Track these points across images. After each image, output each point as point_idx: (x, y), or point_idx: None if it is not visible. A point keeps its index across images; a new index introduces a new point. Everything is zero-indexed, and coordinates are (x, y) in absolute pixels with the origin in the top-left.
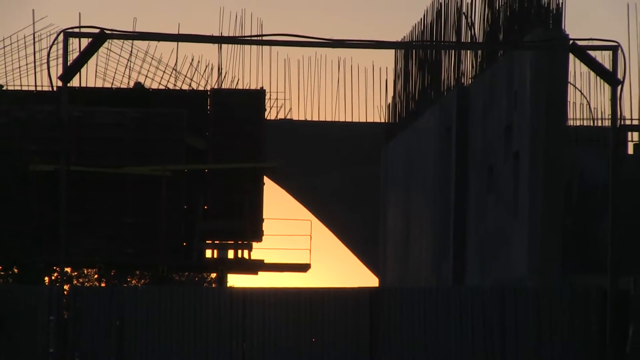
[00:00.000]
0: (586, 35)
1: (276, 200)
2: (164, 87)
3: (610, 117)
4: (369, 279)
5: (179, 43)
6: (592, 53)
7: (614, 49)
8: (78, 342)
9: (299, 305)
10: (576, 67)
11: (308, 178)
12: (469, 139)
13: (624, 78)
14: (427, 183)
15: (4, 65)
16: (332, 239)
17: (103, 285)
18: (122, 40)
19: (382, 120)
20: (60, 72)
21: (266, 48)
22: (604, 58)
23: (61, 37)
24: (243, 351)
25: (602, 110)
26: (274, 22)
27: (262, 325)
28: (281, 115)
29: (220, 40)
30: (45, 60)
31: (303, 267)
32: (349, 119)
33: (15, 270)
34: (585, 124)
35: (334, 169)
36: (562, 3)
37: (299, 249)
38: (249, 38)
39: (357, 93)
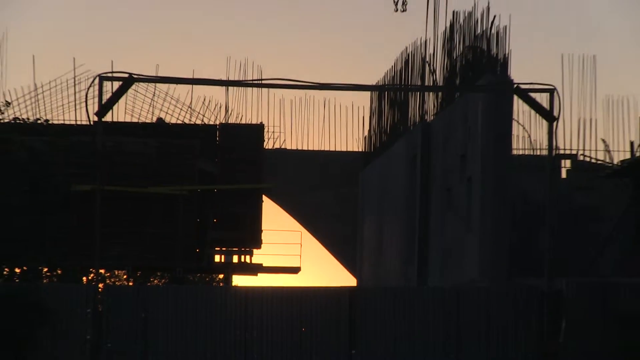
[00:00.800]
0: (528, 79)
1: (272, 215)
2: (180, 122)
3: (547, 147)
4: (348, 280)
5: (193, 85)
6: (533, 94)
7: (551, 91)
8: (110, 331)
9: (291, 301)
10: (520, 106)
11: (298, 196)
12: (431, 165)
13: (559, 115)
14: (396, 201)
15: (50, 103)
16: (318, 246)
17: (130, 284)
18: (147, 83)
19: (360, 149)
20: (96, 109)
21: (265, 90)
22: (542, 99)
23: (97, 81)
24: (245, 339)
25: (540, 141)
26: (271, 67)
27: (261, 317)
28: (277, 145)
29: (227, 83)
30: (84, 99)
31: (294, 270)
32: (332, 148)
33: (59, 272)
34: (526, 153)
35: (319, 189)
36: (508, 53)
37: (291, 255)
38: (251, 82)
39: (339, 127)
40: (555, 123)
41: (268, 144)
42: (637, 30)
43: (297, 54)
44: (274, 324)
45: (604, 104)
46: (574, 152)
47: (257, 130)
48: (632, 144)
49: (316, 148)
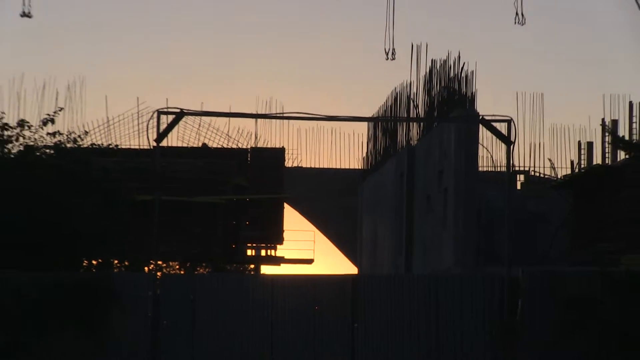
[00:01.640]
0: (490, 112)
1: (291, 218)
2: (220, 146)
3: (505, 165)
4: (351, 269)
5: (230, 118)
6: (494, 124)
7: (508, 121)
8: (166, 309)
9: (306, 286)
10: (484, 133)
11: (312, 204)
12: (415, 179)
13: (514, 140)
14: (387, 207)
15: (119, 132)
16: (327, 242)
17: (181, 272)
18: (194, 116)
19: (359, 167)
20: (154, 137)
21: (285, 121)
22: (502, 127)
23: (155, 114)
24: (271, 317)
25: (500, 160)
26: (290, 102)
27: (284, 299)
28: (294, 164)
29: (256, 116)
30: (146, 129)
31: (309, 261)
32: (337, 166)
33: (126, 263)
34: (489, 170)
35: (328, 198)
36: (474, 92)
37: (306, 249)
38: (274, 115)
39: (343, 149)
40: (511, 146)
41: (287, 163)
42: (577, 70)
43: (310, 93)
44: (294, 304)
45: (550, 131)
46: (526, 169)
47: (279, 153)
48: (572, 162)
49: (325, 166)
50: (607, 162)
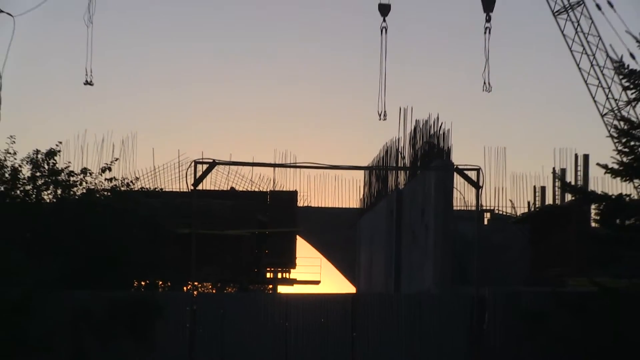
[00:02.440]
0: (463, 162)
1: (303, 247)
2: (245, 190)
3: (475, 205)
4: (350, 288)
5: (253, 167)
6: (466, 172)
7: (477, 170)
8: (201, 321)
9: (315, 302)
10: (458, 179)
11: (319, 236)
12: (402, 216)
13: (482, 185)
14: (380, 239)
15: (164, 178)
16: (331, 267)
17: (214, 291)
18: (224, 165)
19: (357, 207)
20: (192, 182)
21: (297, 169)
22: (472, 174)
23: (193, 164)
24: (285, 327)
25: (470, 201)
26: (302, 153)
27: (296, 313)
28: (305, 203)
29: (274, 165)
30: (185, 176)
31: (316, 282)
32: (340, 206)
33: (169, 284)
34: (462, 209)
35: (332, 231)
36: (450, 146)
37: (314, 273)
38: (289, 165)
39: (344, 192)
40: (480, 190)
41: (299, 203)
42: (533, 128)
43: (318, 146)
44: (304, 317)
45: (511, 178)
46: (492, 208)
47: (292, 195)
48: (528, 203)
49: (329, 206)
50: (557, 202)
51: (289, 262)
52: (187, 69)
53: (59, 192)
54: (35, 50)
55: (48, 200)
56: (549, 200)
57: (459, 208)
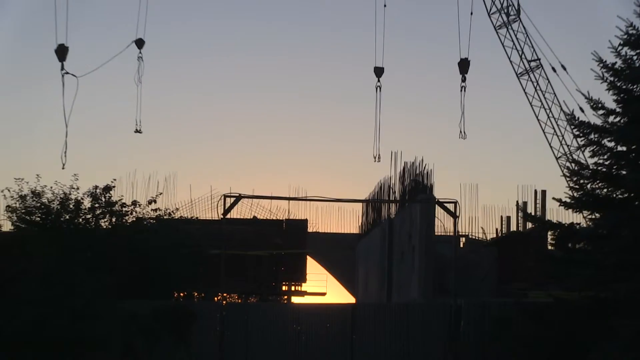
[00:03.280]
0: (444, 196)
1: (312, 265)
2: (265, 218)
3: (452, 231)
4: (350, 299)
5: (272, 200)
6: (446, 204)
7: (455, 202)
8: (229, 326)
9: (321, 310)
10: (438, 210)
11: (325, 256)
12: (393, 240)
13: (459, 215)
14: (375, 258)
15: (199, 208)
16: (335, 281)
17: (239, 301)
18: (248, 199)
19: (357, 232)
20: (222, 212)
21: (307, 201)
22: (450, 206)
23: (222, 197)
24: (298, 330)
25: (449, 228)
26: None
27: (307, 319)
28: (314, 229)
29: (288, 198)
30: (216, 207)
31: (323, 294)
32: (342, 232)
33: (202, 295)
34: (442, 234)
35: (336, 252)
36: (432, 183)
37: (321, 286)
38: (300, 198)
39: (346, 220)
40: (456, 219)
41: (309, 229)
42: (501, 168)
43: (325, 181)
44: (312, 322)
45: (482, 209)
46: (466, 233)
47: (303, 223)
48: (497, 229)
49: (334, 231)
50: (520, 229)
51: (301, 277)
52: (216, 119)
53: (113, 220)
54: (94, 102)
55: (104, 227)
56: (513, 227)
57: (439, 233)
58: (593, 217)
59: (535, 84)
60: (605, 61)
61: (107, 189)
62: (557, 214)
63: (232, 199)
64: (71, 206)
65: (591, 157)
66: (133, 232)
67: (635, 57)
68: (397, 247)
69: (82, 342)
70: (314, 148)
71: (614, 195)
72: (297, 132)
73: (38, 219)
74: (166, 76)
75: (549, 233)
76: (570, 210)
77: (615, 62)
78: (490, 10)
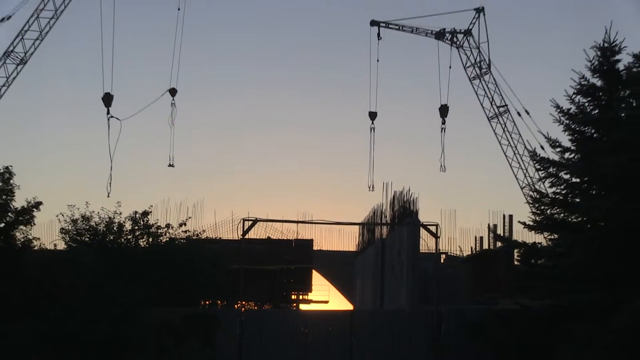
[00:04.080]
0: (427, 220)
1: (316, 278)
2: (277, 238)
3: (435, 250)
4: (349, 306)
5: (283, 223)
6: (429, 226)
7: (436, 225)
8: (247, 329)
9: (324, 316)
10: (423, 232)
11: (327, 270)
12: (385, 257)
13: (440, 235)
14: (370, 272)
15: (222, 230)
16: (336, 291)
17: (255, 308)
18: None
19: (355, 250)
20: (241, 233)
21: (313, 224)
22: (433, 228)
23: (241, 221)
24: (306, 333)
25: (431, 246)
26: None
27: (313, 323)
28: (318, 247)
29: (297, 222)
30: (236, 229)
31: (326, 302)
32: (341, 249)
33: (224, 303)
34: (425, 251)
35: (336, 267)
36: (417, 209)
37: (324, 295)
38: (307, 221)
39: (345, 239)
40: (438, 239)
41: (314, 247)
42: (474, 196)
43: (327, 207)
44: (317, 326)
45: (459, 231)
46: (446, 251)
47: (309, 242)
48: (471, 248)
49: (335, 249)
50: (491, 248)
51: (307, 288)
52: (236, 154)
53: (150, 240)
54: (132, 141)
55: (142, 246)
56: (485, 246)
57: (423, 251)
58: (552, 237)
59: (503, 125)
60: (562, 107)
61: (145, 214)
62: (522, 234)
63: (250, 222)
64: (115, 228)
65: (550, 187)
66: (166, 250)
67: (586, 104)
68: (388, 262)
69: (121, 345)
70: (318, 178)
71: (569, 219)
72: (305, 164)
73: (87, 239)
74: (195, 116)
75: (515, 251)
76: (533, 231)
77: (570, 108)
78: (466, 64)
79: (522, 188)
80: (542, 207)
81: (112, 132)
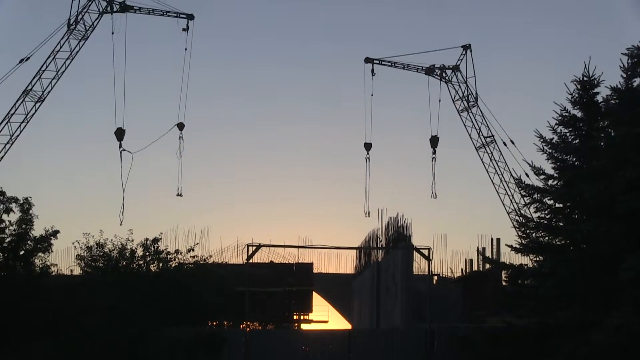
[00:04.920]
0: (420, 243)
1: (317, 299)
2: (279, 262)
3: (427, 271)
4: (347, 325)
5: (285, 247)
6: (422, 250)
7: (429, 249)
8: (252, 348)
9: (324, 335)
10: (416, 254)
11: (327, 292)
12: (380, 279)
13: (432, 258)
14: (367, 292)
15: (227, 255)
16: (335, 312)
17: (260, 328)
18: (266, 247)
19: (352, 272)
20: (245, 257)
21: (313, 249)
22: (426, 252)
23: (245, 246)
24: (307, 352)
25: (424, 269)
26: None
27: (314, 342)
28: (318, 270)
29: (298, 247)
30: (241, 254)
31: (325, 322)
32: (340, 272)
33: (231, 323)
34: (419, 273)
35: (335, 288)
36: (411, 234)
37: (324, 315)
38: (307, 246)
39: (343, 262)
40: (430, 262)
41: (314, 270)
42: (464, 221)
43: (326, 232)
44: (317, 344)
45: (450, 254)
46: (438, 272)
47: (309, 266)
48: (462, 269)
49: (334, 272)
50: (480, 269)
51: (308, 308)
52: (241, 184)
53: (160, 265)
54: (143, 172)
55: (153, 270)
56: (475, 267)
57: (416, 273)
58: (537, 259)
59: (490, 155)
60: (545, 137)
61: (155, 240)
62: (509, 257)
63: (254, 248)
64: (127, 254)
65: (535, 212)
66: (176, 274)
67: (568, 134)
68: (384, 284)
69: None
70: (318, 205)
71: (553, 242)
72: (305, 192)
73: (101, 264)
74: (202, 148)
75: (503, 272)
76: (519, 254)
77: (553, 138)
78: (454, 97)
79: (508, 213)
80: (528, 231)
81: (124, 164)
